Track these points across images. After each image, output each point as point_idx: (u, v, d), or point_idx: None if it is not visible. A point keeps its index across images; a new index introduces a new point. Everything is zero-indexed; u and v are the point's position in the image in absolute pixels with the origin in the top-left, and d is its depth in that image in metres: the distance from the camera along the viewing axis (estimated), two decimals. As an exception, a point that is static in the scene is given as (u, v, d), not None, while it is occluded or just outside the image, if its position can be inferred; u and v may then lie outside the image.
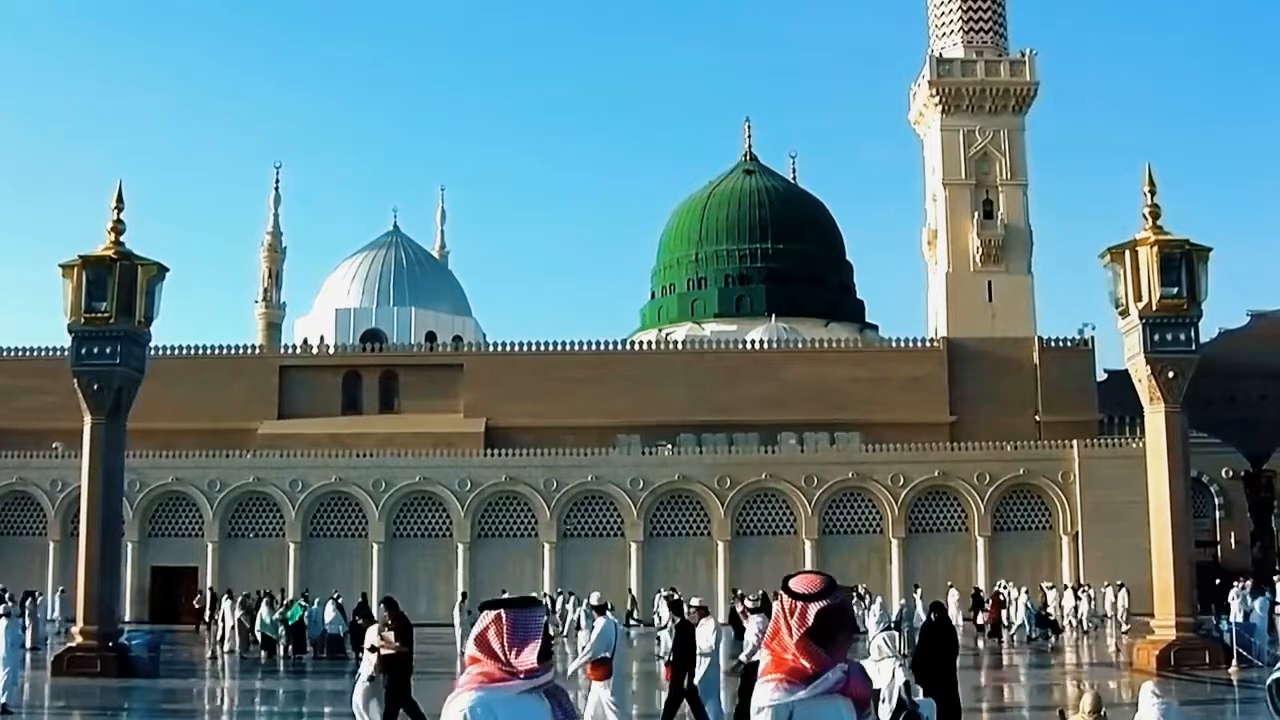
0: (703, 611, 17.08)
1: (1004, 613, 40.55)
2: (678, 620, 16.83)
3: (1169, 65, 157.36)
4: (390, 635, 16.10)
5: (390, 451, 53.35)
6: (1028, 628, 39.71)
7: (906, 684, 12.19)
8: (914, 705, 11.77)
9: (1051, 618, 41.69)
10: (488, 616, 4.31)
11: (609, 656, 13.99)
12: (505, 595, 5.48)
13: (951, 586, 46.13)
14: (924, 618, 17.57)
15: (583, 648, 16.17)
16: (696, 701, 15.86)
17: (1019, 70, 64.39)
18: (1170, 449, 27.44)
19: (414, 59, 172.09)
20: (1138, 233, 28.23)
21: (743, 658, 15.80)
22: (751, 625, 16.08)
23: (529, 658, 4.22)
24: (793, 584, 4.51)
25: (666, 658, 16.54)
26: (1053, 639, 39.79)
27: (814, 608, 4.40)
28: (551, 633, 4.94)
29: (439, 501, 52.63)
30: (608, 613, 14.82)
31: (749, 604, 17.22)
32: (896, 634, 13.60)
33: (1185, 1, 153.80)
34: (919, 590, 41.54)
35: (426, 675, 30.67)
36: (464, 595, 42.18)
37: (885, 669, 13.05)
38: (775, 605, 4.55)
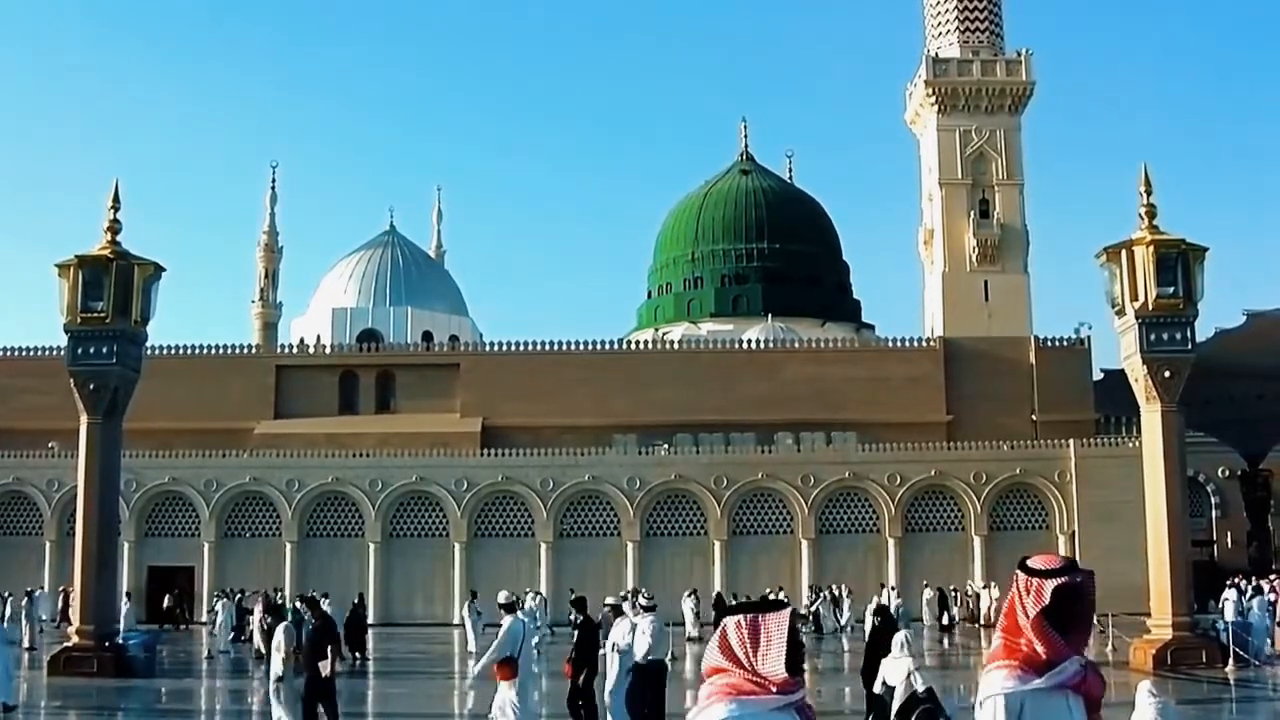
0: (617, 611, 17.35)
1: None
2: (580, 618, 17.44)
3: (1166, 65, 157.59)
4: (326, 663, 15.95)
5: (387, 451, 53.30)
6: None
7: (929, 690, 12.36)
8: (929, 702, 11.92)
9: None
10: (729, 621, 3.89)
11: (514, 656, 14.09)
12: (747, 599, 4.92)
13: (926, 585, 46.82)
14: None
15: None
16: (590, 698, 16.61)
17: (1015, 70, 64.41)
18: (1167, 448, 27.47)
19: (411, 59, 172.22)
20: (1134, 232, 28.27)
21: (639, 659, 15.80)
22: (643, 624, 16.11)
23: (777, 666, 3.78)
24: (1030, 561, 4.23)
25: (569, 655, 17.04)
26: None
27: (1051, 584, 4.09)
28: (804, 641, 4.40)
29: (435, 501, 52.56)
30: (517, 611, 14.95)
31: (643, 602, 17.28)
32: (911, 633, 13.78)
33: (1182, 1, 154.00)
34: (895, 590, 42.43)
35: (423, 675, 30.74)
36: (473, 595, 42.11)
37: (900, 667, 13.18)
38: (1012, 587, 4.24)
